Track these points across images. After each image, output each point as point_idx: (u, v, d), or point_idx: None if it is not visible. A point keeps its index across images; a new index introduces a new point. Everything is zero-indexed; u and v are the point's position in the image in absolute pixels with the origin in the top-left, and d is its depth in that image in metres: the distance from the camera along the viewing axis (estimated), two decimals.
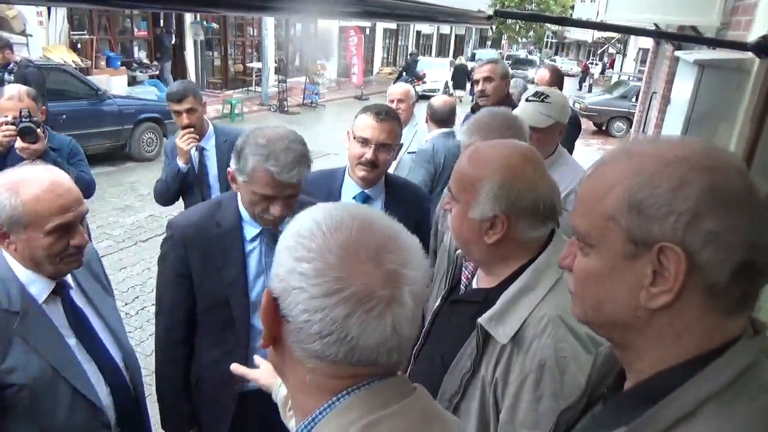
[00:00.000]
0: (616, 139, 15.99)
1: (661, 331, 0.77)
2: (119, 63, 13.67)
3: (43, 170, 1.58)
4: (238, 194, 1.85)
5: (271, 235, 1.87)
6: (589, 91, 24.51)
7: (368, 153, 2.17)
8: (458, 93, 23.81)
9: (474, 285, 1.49)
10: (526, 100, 2.55)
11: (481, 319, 1.28)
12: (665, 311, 0.75)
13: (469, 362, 1.32)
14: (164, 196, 3.28)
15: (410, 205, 2.36)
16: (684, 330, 0.75)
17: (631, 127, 14.58)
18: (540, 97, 2.49)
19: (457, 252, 1.62)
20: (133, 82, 13.77)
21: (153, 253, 5.88)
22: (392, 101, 3.70)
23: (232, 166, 1.76)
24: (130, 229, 6.60)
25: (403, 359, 0.78)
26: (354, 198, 2.32)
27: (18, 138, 2.65)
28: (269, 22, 18.11)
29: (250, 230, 1.86)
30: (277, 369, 0.83)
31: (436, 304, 1.62)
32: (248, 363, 1.83)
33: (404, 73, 20.41)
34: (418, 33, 32.55)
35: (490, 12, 2.95)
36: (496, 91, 3.38)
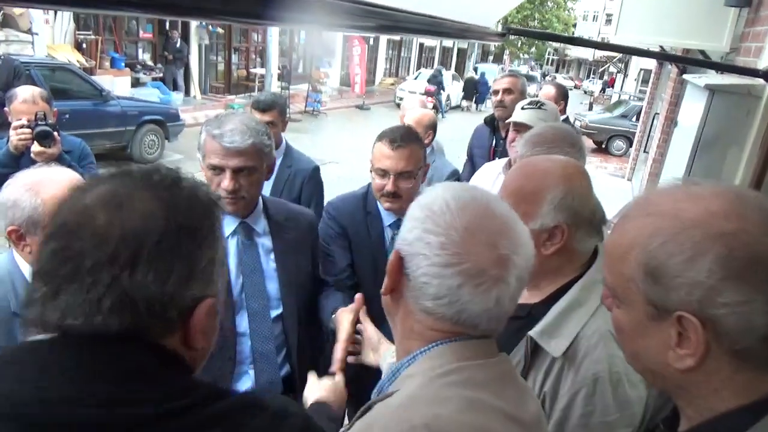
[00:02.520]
0: (616, 157, 16.06)
1: (697, 385, 0.76)
2: (123, 64, 13.69)
3: (61, 171, 1.58)
4: None
5: (246, 232, 1.85)
6: (590, 109, 24.66)
7: (388, 185, 2.04)
8: (465, 103, 24.15)
9: None
10: (522, 108, 2.71)
11: (533, 333, 1.27)
12: (693, 371, 0.74)
13: None
14: None
15: None
16: (720, 386, 0.74)
17: (630, 146, 14.65)
18: (537, 105, 2.71)
19: None
20: (136, 83, 13.79)
21: None
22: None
23: (200, 155, 1.78)
24: None
25: (500, 327, 0.90)
26: (389, 226, 2.20)
27: (34, 142, 2.61)
28: (274, 29, 18.18)
29: (225, 227, 1.79)
30: (389, 314, 0.98)
31: None
32: (235, 365, 1.80)
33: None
34: (421, 45, 32.72)
35: (502, 29, 2.96)
36: (514, 104, 3.40)
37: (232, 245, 1.83)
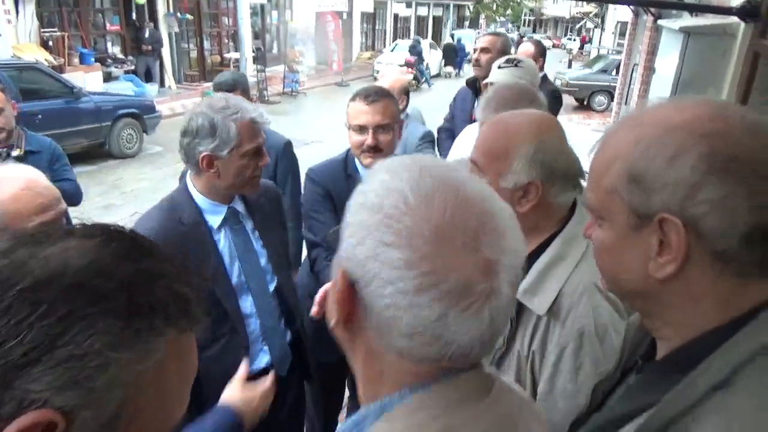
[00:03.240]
0: (598, 113, 16.05)
1: (678, 297, 0.76)
2: (93, 59, 13.38)
3: (17, 169, 1.52)
4: (191, 186, 1.81)
5: (234, 217, 1.87)
6: (569, 66, 24.53)
7: (368, 139, 2.12)
8: (447, 69, 24.14)
9: None
10: (499, 67, 2.66)
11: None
12: (675, 279, 0.74)
13: (501, 338, 1.30)
14: None
15: None
16: (700, 295, 0.74)
17: (612, 101, 14.64)
18: (513, 62, 2.63)
19: None
20: (108, 78, 13.52)
21: None
22: None
23: (206, 149, 1.70)
24: None
25: (491, 349, 0.71)
26: None
27: None
28: (244, 11, 17.83)
29: (214, 219, 1.83)
30: (346, 350, 0.74)
31: None
32: (249, 347, 1.88)
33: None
34: (396, 16, 32.24)
35: None
36: (490, 63, 3.35)
37: (222, 234, 1.86)
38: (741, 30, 2.78)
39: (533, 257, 1.30)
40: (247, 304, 1.89)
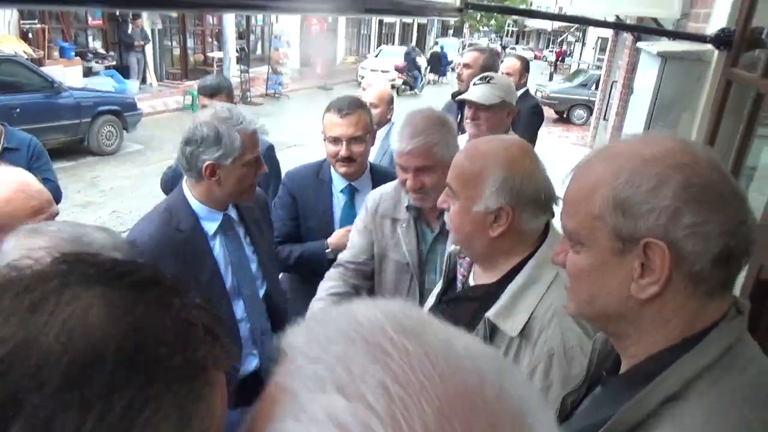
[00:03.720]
0: (577, 126, 16.31)
1: (652, 318, 0.82)
2: (73, 53, 13.19)
3: (10, 171, 1.52)
4: (188, 193, 1.84)
5: (229, 224, 1.92)
6: (550, 79, 24.89)
7: (342, 150, 2.23)
8: (432, 77, 24.57)
9: (471, 282, 1.50)
10: (473, 84, 2.76)
11: (489, 314, 1.30)
12: (654, 300, 0.80)
13: None
14: (169, 187, 3.19)
15: None
16: (671, 315, 0.81)
17: (591, 115, 14.90)
18: (486, 79, 2.72)
19: (450, 250, 1.62)
20: (88, 73, 13.33)
21: None
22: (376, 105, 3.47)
23: (210, 158, 1.73)
24: None
25: None
26: (342, 191, 2.37)
27: None
28: None
29: (210, 226, 1.87)
30: None
31: (431, 302, 1.62)
32: (241, 351, 1.92)
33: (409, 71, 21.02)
34: (381, 22, 32.40)
35: (460, 3, 2.96)
36: (471, 79, 3.42)
37: (217, 241, 1.90)
38: (715, 58, 2.89)
39: (508, 279, 1.35)
40: (238, 308, 1.93)
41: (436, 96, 20.87)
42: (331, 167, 2.37)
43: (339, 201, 2.37)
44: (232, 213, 1.95)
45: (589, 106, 16.14)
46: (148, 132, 10.82)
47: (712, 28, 2.99)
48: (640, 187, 0.78)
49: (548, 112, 15.27)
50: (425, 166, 1.84)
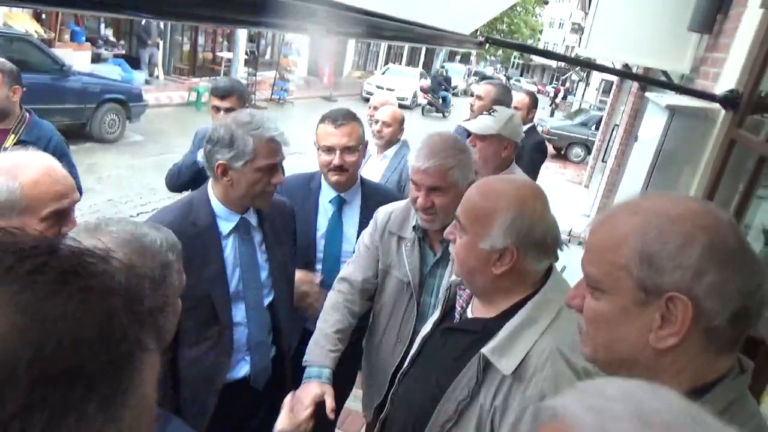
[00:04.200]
0: (574, 164, 16.51)
1: (665, 368, 0.86)
2: (84, 38, 13.20)
3: (38, 155, 1.56)
4: (210, 191, 1.90)
5: (245, 227, 1.94)
6: (551, 115, 25.21)
7: (335, 159, 2.28)
8: (438, 105, 25.02)
9: (469, 314, 1.53)
10: (482, 114, 2.83)
11: (485, 350, 1.32)
12: (670, 350, 0.84)
13: (466, 390, 1.36)
14: (173, 182, 3.22)
15: None
16: (684, 366, 0.85)
17: (589, 154, 15.10)
18: (489, 111, 2.79)
19: (452, 279, 1.64)
20: (97, 59, 13.33)
21: None
22: (376, 121, 3.59)
23: (223, 158, 1.79)
24: (87, 212, 6.37)
25: None
26: (330, 202, 2.40)
27: None
28: None
29: (225, 225, 1.91)
30: None
31: (427, 330, 1.64)
32: (232, 354, 1.92)
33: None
34: None
35: (482, 38, 3.04)
36: (481, 111, 3.50)
37: (230, 241, 1.92)
38: (721, 117, 2.98)
39: (507, 316, 1.37)
40: (239, 312, 1.94)
41: (436, 115, 21.14)
42: (322, 177, 2.41)
43: (326, 211, 2.40)
44: (252, 218, 1.97)
45: (587, 145, 16.35)
46: (151, 124, 10.82)
47: (720, 88, 3.08)
48: (668, 244, 0.82)
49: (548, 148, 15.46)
50: (438, 186, 1.88)
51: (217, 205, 1.90)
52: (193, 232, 1.83)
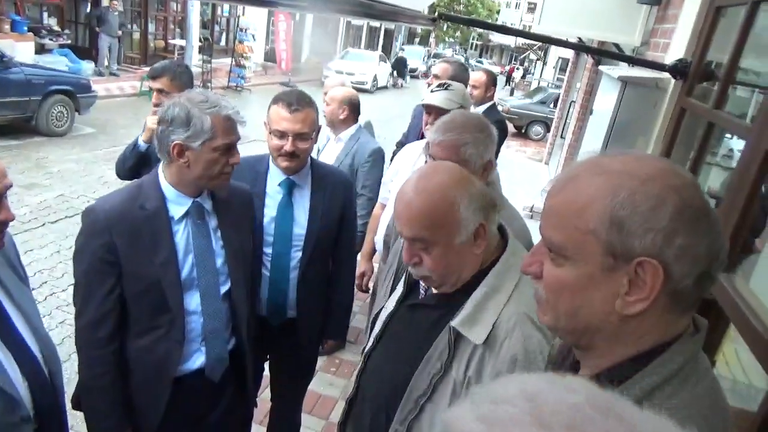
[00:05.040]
0: (534, 141, 16.74)
1: (629, 332, 0.83)
2: (26, 28, 12.59)
3: None
4: (160, 175, 1.83)
5: (198, 212, 1.87)
6: (511, 94, 25.46)
7: (287, 145, 2.19)
8: (395, 80, 26.24)
9: (433, 290, 1.51)
10: (432, 91, 2.85)
11: (454, 323, 1.33)
12: (636, 316, 0.81)
13: (439, 364, 1.36)
14: (120, 169, 3.17)
15: (336, 190, 2.40)
16: (647, 330, 0.83)
17: (548, 132, 15.32)
18: (443, 86, 2.82)
19: None
20: (41, 50, 12.76)
21: (63, 236, 5.51)
22: (327, 103, 3.57)
23: (179, 138, 1.72)
24: (36, 209, 6.12)
25: None
26: (279, 185, 2.32)
27: None
28: None
29: (176, 209, 1.83)
30: None
31: (391, 307, 1.62)
32: (184, 345, 1.86)
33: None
34: (348, 23, 32.36)
35: (433, 14, 3.01)
36: None
37: (181, 226, 1.85)
38: (671, 86, 3.02)
39: (470, 288, 1.38)
40: (193, 301, 1.86)
41: (396, 98, 21.06)
42: (270, 160, 2.33)
43: (275, 194, 2.33)
44: (207, 203, 1.89)
45: (546, 123, 16.60)
46: (102, 115, 10.45)
47: (670, 58, 3.13)
48: (639, 206, 0.78)
49: (508, 127, 15.64)
50: (450, 160, 1.86)
51: (167, 188, 1.82)
52: (141, 215, 1.77)
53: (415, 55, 33.01)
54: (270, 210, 2.32)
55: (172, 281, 1.80)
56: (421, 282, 1.56)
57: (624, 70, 3.58)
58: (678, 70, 2.92)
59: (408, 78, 28.39)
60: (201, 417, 2.05)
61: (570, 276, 0.85)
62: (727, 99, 2.51)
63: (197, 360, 1.92)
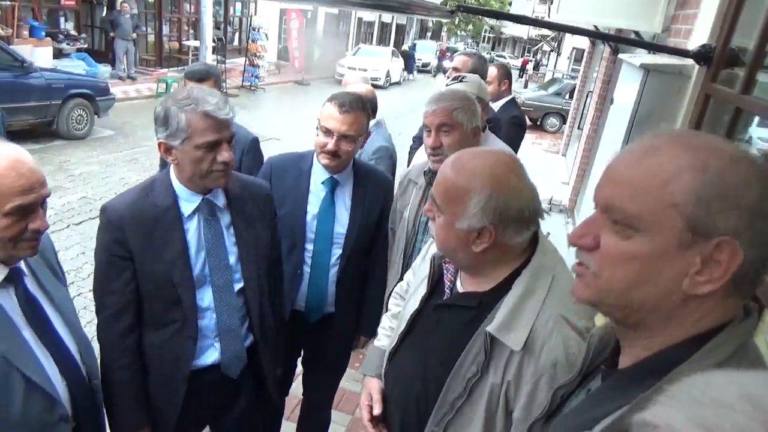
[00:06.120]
0: (550, 134, 16.60)
1: (688, 313, 0.81)
2: (44, 33, 12.77)
3: (5, 146, 1.48)
4: (172, 172, 1.84)
5: (209, 208, 1.86)
6: (525, 87, 25.25)
7: (330, 144, 2.21)
8: (403, 74, 26.28)
9: (459, 288, 1.50)
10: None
11: (491, 329, 1.31)
12: (698, 297, 0.79)
13: (474, 367, 1.34)
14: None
15: (377, 189, 2.42)
16: (705, 313, 0.80)
17: (564, 123, 15.17)
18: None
19: (434, 253, 1.60)
20: (59, 54, 12.93)
21: (87, 237, 5.60)
22: None
23: (161, 137, 1.73)
24: (61, 212, 6.23)
25: None
26: (323, 183, 2.34)
27: None
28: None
29: (187, 206, 1.84)
30: None
31: (414, 306, 1.58)
32: (197, 340, 1.87)
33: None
34: (360, 20, 32.32)
35: (451, 5, 2.99)
36: None
37: (192, 223, 1.85)
38: (695, 72, 2.97)
39: (499, 291, 1.36)
40: (206, 297, 1.87)
41: (405, 93, 21.00)
42: (314, 158, 2.36)
43: (317, 191, 2.35)
44: (219, 200, 1.89)
45: (562, 115, 16.45)
46: (120, 118, 10.58)
47: (692, 44, 3.08)
48: (727, 185, 0.76)
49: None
50: (444, 124, 2.20)
51: (178, 186, 1.83)
52: (153, 212, 1.79)
53: (427, 50, 32.85)
54: (312, 207, 2.34)
55: (183, 277, 1.81)
56: (445, 280, 1.55)
57: (645, 57, 3.53)
58: (702, 55, 2.86)
59: (416, 72, 28.83)
60: (218, 414, 2.06)
61: (640, 249, 0.81)
62: (755, 84, 2.46)
63: (211, 356, 1.92)
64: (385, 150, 3.46)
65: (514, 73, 36.08)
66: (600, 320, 2.51)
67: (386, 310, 2.00)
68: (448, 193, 1.35)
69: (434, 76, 30.79)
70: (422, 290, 1.59)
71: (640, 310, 0.84)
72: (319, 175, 2.35)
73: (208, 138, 1.69)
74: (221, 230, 1.89)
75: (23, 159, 1.46)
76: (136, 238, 1.77)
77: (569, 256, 1.13)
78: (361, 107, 2.26)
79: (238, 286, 1.92)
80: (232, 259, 1.91)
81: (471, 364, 1.35)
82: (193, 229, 1.84)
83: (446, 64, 31.72)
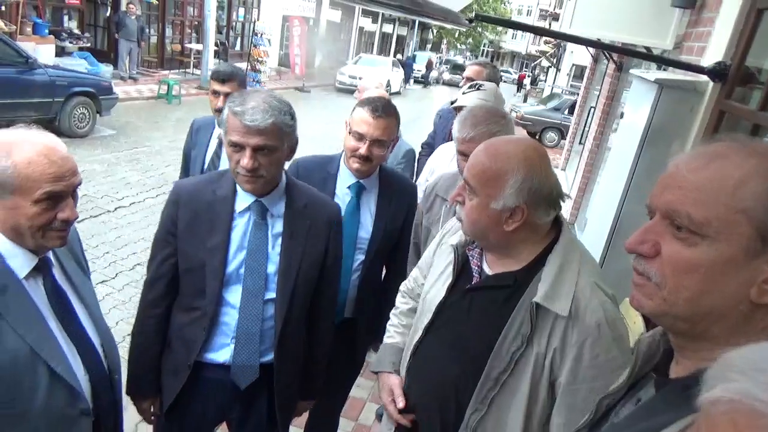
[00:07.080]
0: (548, 148, 16.69)
1: (755, 323, 0.80)
2: (47, 31, 12.75)
3: (39, 134, 1.48)
4: None
5: (259, 211, 1.86)
6: (524, 101, 25.41)
7: (362, 149, 2.22)
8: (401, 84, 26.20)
9: (487, 271, 1.56)
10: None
11: (538, 298, 1.39)
12: (766, 306, 0.78)
13: (519, 340, 1.41)
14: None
15: (402, 196, 2.43)
16: None
17: (563, 138, 15.27)
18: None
19: (455, 242, 1.65)
20: (61, 52, 12.92)
21: (89, 235, 5.56)
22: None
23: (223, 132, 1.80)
24: None
25: None
26: (349, 188, 2.34)
27: None
28: (211, 3, 17.53)
29: (241, 202, 1.86)
30: None
31: (441, 295, 1.62)
32: (214, 335, 1.87)
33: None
34: (361, 29, 32.49)
35: (468, 16, 3.03)
36: None
37: (242, 221, 1.86)
38: (709, 89, 3.01)
39: (536, 266, 1.46)
40: (234, 295, 1.85)
41: (402, 104, 21.08)
42: (341, 162, 2.37)
43: (343, 196, 2.35)
44: (276, 207, 1.88)
45: (560, 130, 16.58)
46: (121, 118, 10.55)
47: (706, 61, 3.12)
48: None
49: (522, 133, 15.63)
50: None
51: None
52: (209, 198, 1.85)
53: (425, 61, 33.08)
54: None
55: (214, 268, 1.81)
56: (472, 266, 1.60)
57: (660, 73, 3.56)
58: (717, 72, 2.90)
59: (412, 81, 29.13)
60: (225, 417, 2.06)
61: (706, 257, 0.79)
62: None
63: (223, 354, 1.89)
64: (411, 153, 3.51)
65: (512, 88, 36.45)
66: (638, 323, 2.48)
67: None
68: (486, 174, 1.44)
69: (425, 86, 31.04)
70: (445, 279, 1.64)
71: (705, 321, 0.82)
72: (345, 180, 2.35)
73: (233, 138, 1.71)
74: (267, 236, 1.87)
75: (56, 147, 1.46)
76: (185, 219, 1.84)
77: None
78: (393, 112, 2.29)
79: (269, 295, 1.88)
80: (272, 268, 1.87)
81: (515, 337, 1.41)
82: (240, 227, 1.86)
83: (433, 74, 32.31)
